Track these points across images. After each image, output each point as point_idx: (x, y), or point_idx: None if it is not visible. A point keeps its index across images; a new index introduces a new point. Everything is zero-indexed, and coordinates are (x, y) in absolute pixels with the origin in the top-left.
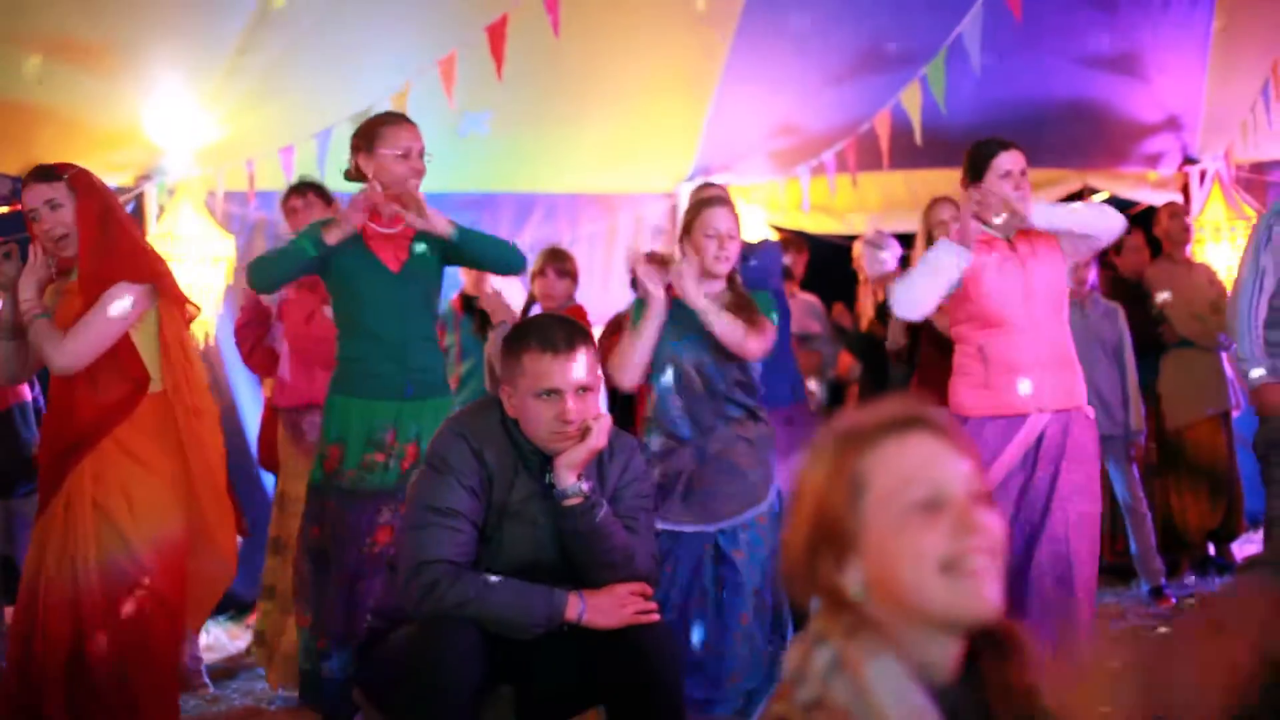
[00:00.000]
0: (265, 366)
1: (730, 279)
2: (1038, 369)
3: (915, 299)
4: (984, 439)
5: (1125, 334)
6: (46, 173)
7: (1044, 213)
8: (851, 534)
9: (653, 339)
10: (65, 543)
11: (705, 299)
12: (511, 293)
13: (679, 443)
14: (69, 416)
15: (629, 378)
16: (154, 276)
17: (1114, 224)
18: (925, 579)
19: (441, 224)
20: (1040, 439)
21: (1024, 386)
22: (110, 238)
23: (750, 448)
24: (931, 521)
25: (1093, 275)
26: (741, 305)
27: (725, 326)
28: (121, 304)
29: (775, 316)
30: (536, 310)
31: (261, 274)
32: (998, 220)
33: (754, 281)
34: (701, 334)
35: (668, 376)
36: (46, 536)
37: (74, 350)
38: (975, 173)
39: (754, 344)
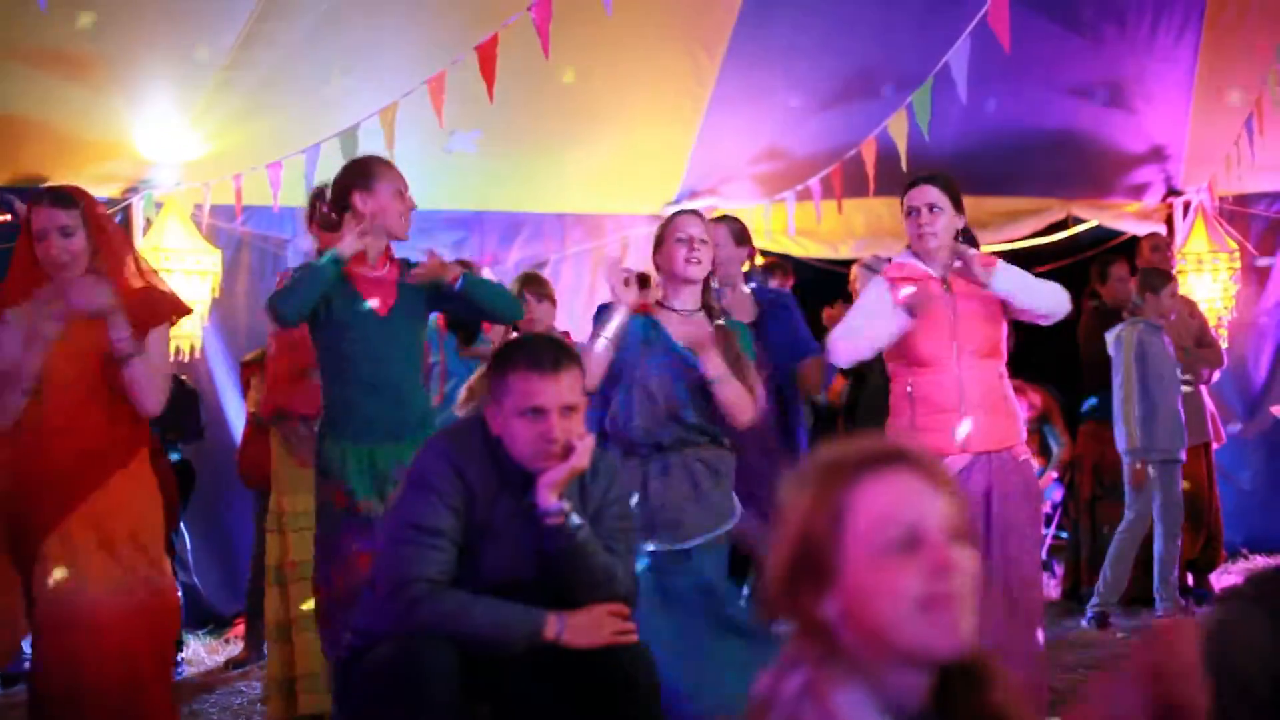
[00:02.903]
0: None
1: (708, 307)
2: (965, 411)
3: (857, 352)
4: None
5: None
6: (63, 198)
7: (1004, 283)
8: (830, 565)
9: (614, 343)
10: (110, 567)
11: (722, 366)
12: None
13: (637, 456)
14: (69, 444)
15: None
16: (184, 313)
17: (1059, 308)
18: (899, 616)
19: (452, 271)
20: (961, 481)
21: (961, 429)
22: (133, 270)
23: (708, 470)
24: (908, 560)
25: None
26: (733, 358)
27: (733, 395)
28: (167, 339)
29: (753, 353)
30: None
31: (288, 305)
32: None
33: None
34: (669, 355)
35: (631, 394)
36: (75, 563)
37: (163, 393)
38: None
39: (748, 416)
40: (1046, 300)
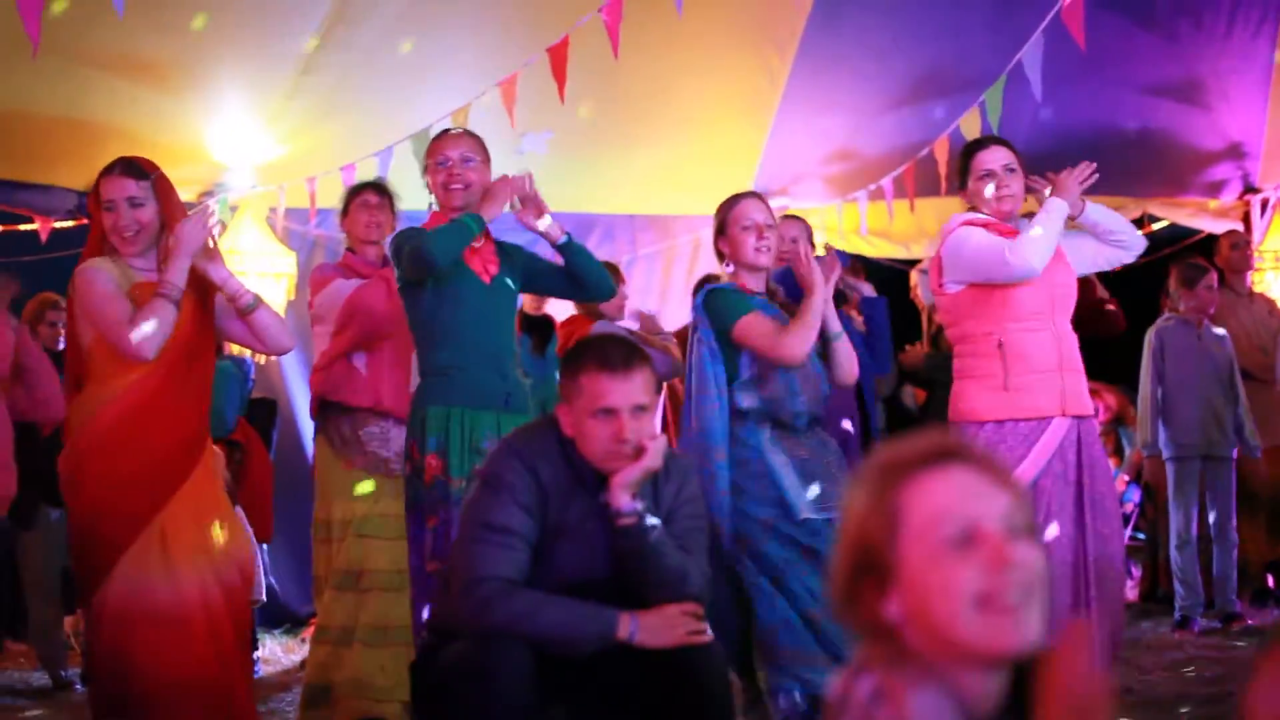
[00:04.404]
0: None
1: (770, 291)
2: (1059, 371)
3: (1045, 255)
4: (1007, 446)
5: (1234, 359)
6: (135, 168)
7: (1093, 207)
8: (889, 566)
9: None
10: (204, 549)
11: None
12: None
13: (794, 432)
14: (178, 430)
15: (803, 353)
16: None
17: (1137, 241)
18: (958, 614)
19: (556, 230)
20: (1061, 447)
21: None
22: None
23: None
24: (964, 557)
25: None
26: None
27: (846, 350)
28: None
29: None
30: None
31: (444, 244)
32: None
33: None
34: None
35: (792, 373)
36: (172, 542)
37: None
38: (961, 182)
39: (855, 375)
40: (1128, 228)
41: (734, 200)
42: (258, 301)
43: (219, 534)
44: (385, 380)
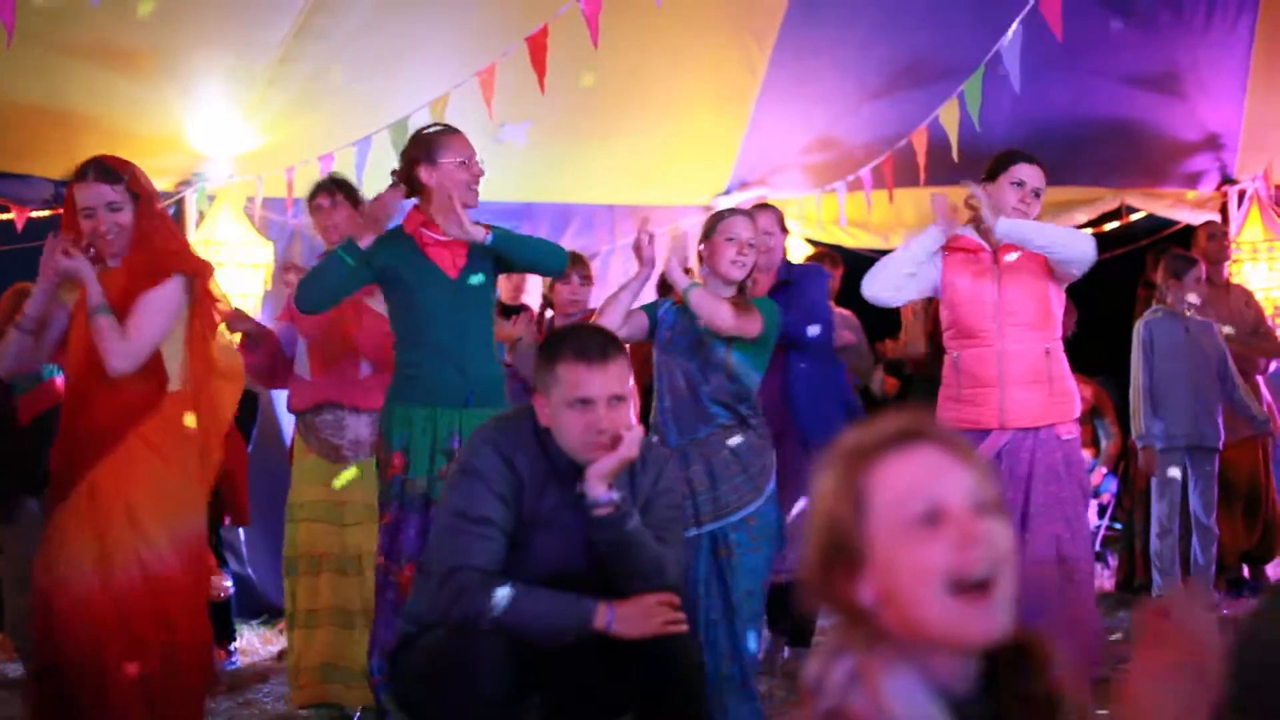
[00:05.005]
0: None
1: (740, 288)
2: (1005, 385)
3: (885, 280)
4: None
5: (1224, 347)
6: (110, 173)
7: (1008, 225)
8: (859, 549)
9: (630, 296)
10: (93, 541)
11: (685, 277)
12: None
13: (668, 450)
14: (85, 416)
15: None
16: (197, 271)
17: (1082, 248)
18: (929, 596)
19: (477, 232)
20: (1002, 459)
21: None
22: (159, 232)
23: (734, 458)
24: (933, 534)
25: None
26: (735, 304)
27: (701, 301)
28: (171, 301)
29: (773, 322)
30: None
31: (307, 294)
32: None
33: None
34: (690, 340)
35: (660, 382)
36: (65, 536)
37: (133, 353)
38: (990, 174)
39: (726, 318)
40: (1066, 246)
41: (727, 212)
42: (100, 308)
43: (119, 526)
44: (326, 379)
